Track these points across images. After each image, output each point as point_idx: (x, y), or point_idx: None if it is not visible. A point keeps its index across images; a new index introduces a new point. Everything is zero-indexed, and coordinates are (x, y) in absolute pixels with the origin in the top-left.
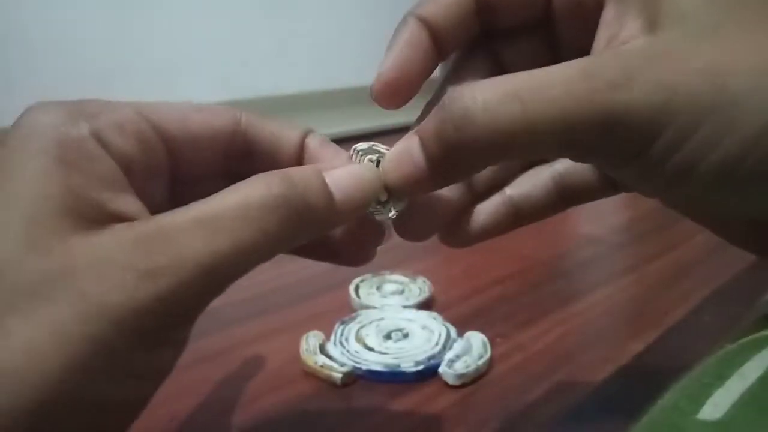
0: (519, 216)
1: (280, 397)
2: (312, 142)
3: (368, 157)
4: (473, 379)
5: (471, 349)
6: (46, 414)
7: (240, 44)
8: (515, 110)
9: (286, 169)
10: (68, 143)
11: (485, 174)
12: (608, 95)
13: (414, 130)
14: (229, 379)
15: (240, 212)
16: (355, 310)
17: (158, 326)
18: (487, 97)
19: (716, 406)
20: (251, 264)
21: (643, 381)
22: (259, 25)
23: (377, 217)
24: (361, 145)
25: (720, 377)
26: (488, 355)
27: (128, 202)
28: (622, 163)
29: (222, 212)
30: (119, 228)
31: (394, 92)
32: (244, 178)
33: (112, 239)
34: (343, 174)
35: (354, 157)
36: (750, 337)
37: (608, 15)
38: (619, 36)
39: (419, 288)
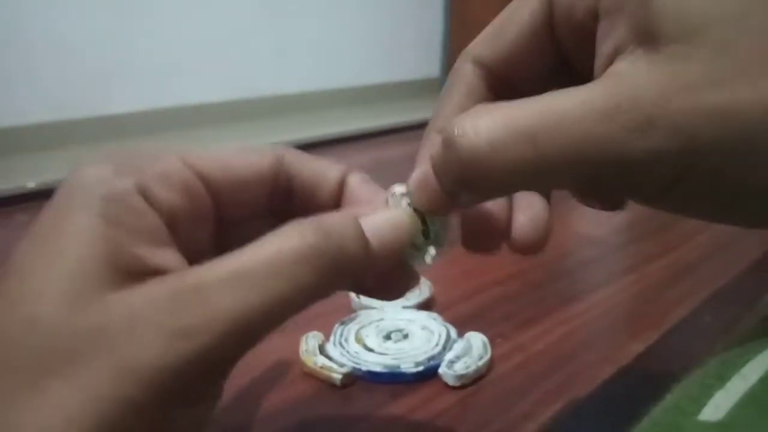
0: None
1: (280, 397)
2: (352, 181)
3: (405, 200)
4: (473, 380)
5: (471, 350)
6: None
7: (240, 44)
8: (528, 151)
9: (321, 216)
10: (113, 198)
11: None
12: (626, 141)
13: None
14: (229, 379)
15: (273, 266)
16: (354, 311)
17: (191, 385)
18: (494, 135)
19: (717, 407)
20: (286, 316)
21: (644, 381)
22: (259, 25)
23: (414, 263)
24: (398, 188)
25: (721, 378)
26: (488, 355)
27: (168, 256)
28: (650, 198)
29: (254, 266)
30: (153, 283)
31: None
32: (287, 218)
33: (146, 296)
34: (380, 220)
35: (390, 200)
36: (751, 338)
37: (601, 30)
38: (615, 52)
39: (419, 288)
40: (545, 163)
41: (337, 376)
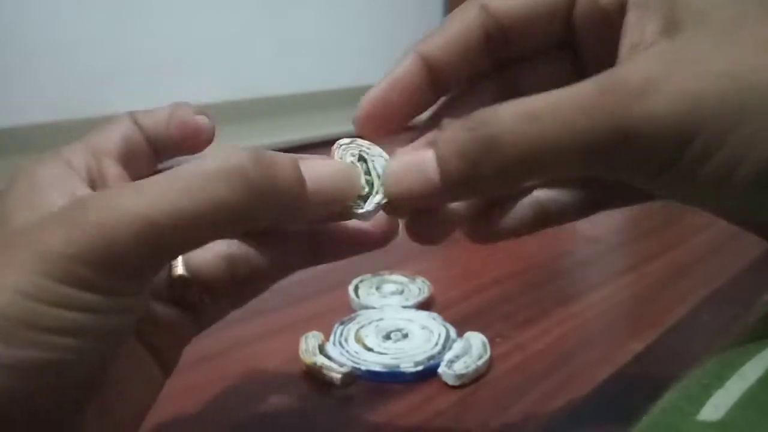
0: (546, 218)
1: (280, 397)
2: None
3: (350, 151)
4: (473, 380)
5: (470, 350)
6: None
7: (240, 44)
8: (533, 131)
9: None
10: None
11: None
12: (626, 109)
13: (423, 144)
14: (228, 380)
15: (188, 179)
16: (354, 311)
17: (96, 273)
18: (508, 119)
19: (716, 406)
20: (202, 230)
21: (643, 381)
22: (259, 25)
23: (356, 212)
24: (344, 141)
25: (720, 378)
26: (488, 355)
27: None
28: (651, 177)
29: (168, 178)
30: (76, 197)
31: (375, 123)
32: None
33: (66, 204)
34: (320, 165)
35: (337, 151)
36: (749, 338)
37: (630, 21)
38: (641, 42)
39: (419, 288)
40: (548, 142)
41: (336, 376)
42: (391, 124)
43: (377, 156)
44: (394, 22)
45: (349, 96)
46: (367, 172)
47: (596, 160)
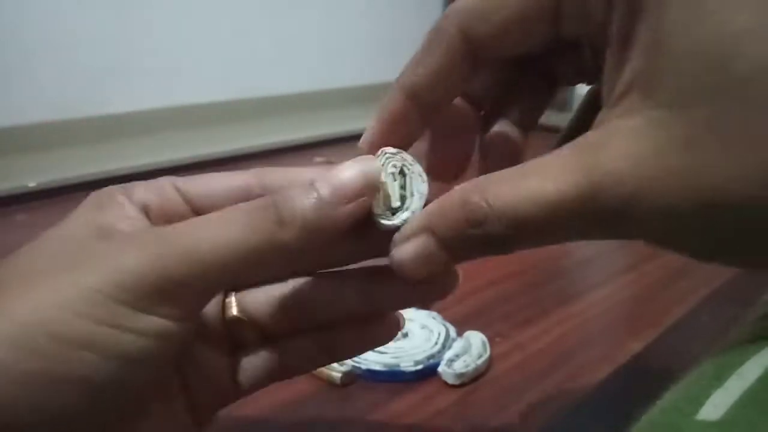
0: None
1: (280, 397)
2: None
3: (393, 162)
4: (472, 379)
5: (470, 349)
6: None
7: (240, 44)
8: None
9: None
10: (101, 195)
11: None
12: (612, 220)
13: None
14: None
15: (224, 217)
16: None
17: (159, 292)
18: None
19: (716, 406)
20: (242, 259)
21: (642, 380)
22: (259, 25)
23: (383, 222)
24: (390, 150)
25: (719, 378)
26: (487, 354)
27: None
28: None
29: (213, 216)
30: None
31: (379, 143)
32: None
33: (134, 232)
34: (344, 167)
35: (380, 157)
36: (749, 338)
37: (610, 57)
38: (617, 95)
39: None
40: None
41: (337, 375)
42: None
43: (417, 174)
44: (394, 22)
45: (349, 95)
46: (403, 187)
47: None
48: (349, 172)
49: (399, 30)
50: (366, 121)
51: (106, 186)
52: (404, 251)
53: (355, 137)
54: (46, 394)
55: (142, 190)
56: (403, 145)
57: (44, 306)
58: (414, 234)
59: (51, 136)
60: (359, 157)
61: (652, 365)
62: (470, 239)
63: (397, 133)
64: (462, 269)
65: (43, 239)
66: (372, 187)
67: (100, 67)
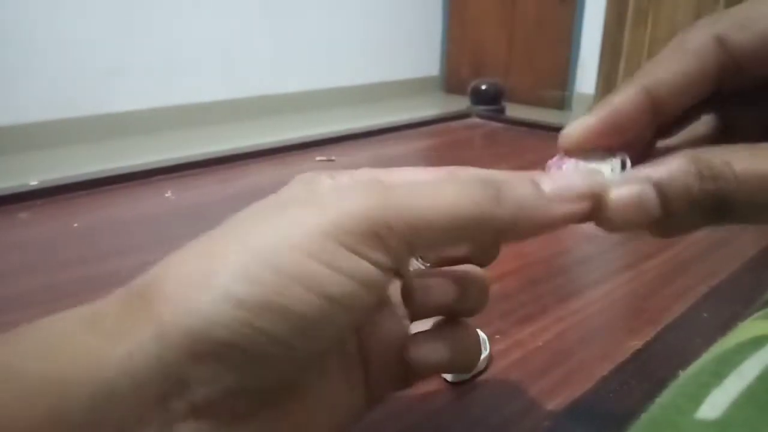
0: None
1: None
2: None
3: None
4: (472, 377)
5: None
6: None
7: (241, 43)
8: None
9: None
10: (307, 175)
11: None
12: None
13: (647, 175)
14: None
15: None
16: None
17: (369, 238)
18: (740, 177)
19: (714, 405)
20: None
21: (642, 378)
22: (260, 24)
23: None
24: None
25: (718, 376)
26: (487, 352)
27: None
28: None
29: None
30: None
31: (582, 148)
32: None
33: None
34: (575, 176)
35: (609, 164)
36: (748, 336)
37: None
38: None
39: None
40: None
41: None
42: (595, 146)
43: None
44: (394, 23)
45: (349, 95)
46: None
47: None
48: (578, 179)
49: (399, 30)
50: (366, 121)
51: (107, 186)
52: (618, 194)
53: (356, 136)
54: (264, 322)
55: (347, 178)
56: (619, 148)
57: (272, 240)
58: (637, 181)
59: (53, 134)
60: (589, 171)
61: (652, 363)
62: (696, 194)
63: (620, 133)
64: None
65: (266, 199)
66: (595, 199)
67: (101, 67)
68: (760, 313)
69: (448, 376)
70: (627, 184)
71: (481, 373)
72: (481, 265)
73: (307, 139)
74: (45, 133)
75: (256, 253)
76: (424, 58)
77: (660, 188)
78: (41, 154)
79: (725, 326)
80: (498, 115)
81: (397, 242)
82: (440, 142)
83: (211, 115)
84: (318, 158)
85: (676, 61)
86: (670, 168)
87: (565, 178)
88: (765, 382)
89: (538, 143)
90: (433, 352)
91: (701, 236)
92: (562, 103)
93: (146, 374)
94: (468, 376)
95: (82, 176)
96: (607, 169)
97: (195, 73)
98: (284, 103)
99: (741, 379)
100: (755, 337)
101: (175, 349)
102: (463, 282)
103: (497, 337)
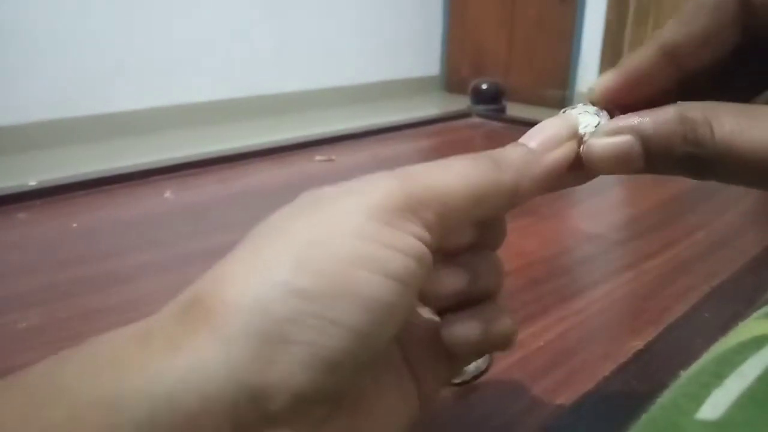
0: None
1: None
2: None
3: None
4: (473, 377)
5: None
6: None
7: (241, 43)
8: (742, 143)
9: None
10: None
11: None
12: None
13: (631, 121)
14: None
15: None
16: None
17: (402, 213)
18: (726, 127)
19: (715, 405)
20: (476, 196)
21: (643, 378)
22: (260, 23)
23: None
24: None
25: (719, 376)
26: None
27: None
28: None
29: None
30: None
31: (605, 101)
32: None
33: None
34: (545, 122)
35: (576, 109)
36: (749, 336)
37: None
38: None
39: None
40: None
41: None
42: (627, 94)
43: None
44: (393, 21)
45: (349, 94)
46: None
47: None
48: (549, 124)
49: (399, 29)
50: (366, 120)
51: (106, 185)
52: (604, 143)
53: (356, 136)
54: (334, 312)
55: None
56: (639, 105)
57: (322, 230)
58: (619, 131)
59: (52, 134)
60: (565, 117)
61: (653, 363)
62: (678, 154)
63: (639, 90)
64: None
65: (281, 210)
66: (571, 133)
67: (100, 67)
68: (761, 312)
69: None
70: (613, 135)
71: (482, 373)
72: (492, 249)
73: (307, 139)
74: (45, 132)
75: (309, 245)
76: (424, 57)
77: (643, 141)
78: (41, 154)
79: (726, 326)
80: (498, 114)
81: (431, 215)
82: (440, 141)
83: (211, 114)
84: (318, 158)
85: (694, 16)
86: (656, 122)
87: (543, 129)
88: (766, 383)
89: None
90: (468, 329)
91: (703, 236)
92: (563, 102)
93: (213, 385)
94: (469, 376)
95: (81, 176)
96: (595, 120)
97: (195, 72)
98: (284, 102)
99: (742, 379)
100: (756, 336)
101: (243, 353)
102: (473, 264)
103: None
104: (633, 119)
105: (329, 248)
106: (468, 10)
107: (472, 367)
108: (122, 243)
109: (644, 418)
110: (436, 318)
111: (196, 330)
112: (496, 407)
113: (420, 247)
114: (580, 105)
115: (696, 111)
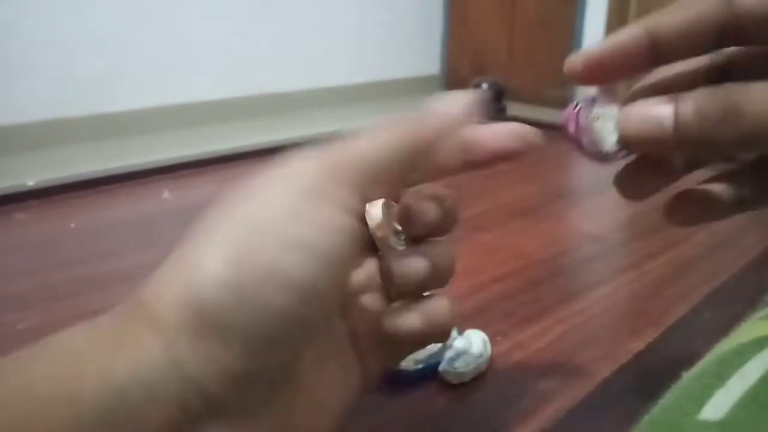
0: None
1: None
2: None
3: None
4: (473, 378)
5: (471, 348)
6: None
7: (241, 42)
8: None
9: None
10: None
11: None
12: None
13: (663, 100)
14: None
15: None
16: None
17: (345, 178)
18: (758, 94)
19: (718, 406)
20: (399, 156)
21: (644, 379)
22: (260, 23)
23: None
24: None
25: (721, 377)
26: (488, 353)
27: None
28: None
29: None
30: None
31: (585, 75)
32: None
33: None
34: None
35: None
36: (751, 337)
37: None
38: None
39: None
40: None
41: None
42: (598, 80)
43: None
44: (393, 20)
45: (349, 93)
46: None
47: None
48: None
49: (399, 28)
50: (366, 119)
51: (103, 185)
52: (640, 110)
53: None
54: (260, 296)
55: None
56: (612, 79)
57: (253, 215)
58: (658, 102)
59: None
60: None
61: (654, 364)
62: (712, 127)
63: (616, 65)
64: (461, 267)
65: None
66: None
67: (101, 66)
68: (763, 313)
69: (450, 378)
70: (647, 105)
71: (483, 374)
72: (446, 231)
73: (307, 139)
74: (44, 132)
75: (242, 233)
76: (424, 56)
77: (680, 116)
78: (41, 154)
79: (728, 327)
80: (499, 114)
81: (352, 177)
82: None
83: (212, 114)
84: None
85: (681, 8)
86: (697, 98)
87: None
88: (767, 383)
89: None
90: (407, 320)
91: (704, 237)
92: (564, 101)
93: (157, 376)
94: (469, 377)
95: (79, 176)
96: (615, 110)
97: (195, 71)
98: (284, 102)
99: (744, 380)
100: (758, 338)
101: (183, 347)
102: (432, 254)
103: (498, 338)
104: (670, 96)
105: (260, 234)
106: (468, 9)
107: (472, 368)
108: (120, 243)
109: (646, 419)
110: (387, 304)
111: (138, 325)
112: (495, 409)
113: (346, 221)
114: (583, 98)
115: (736, 87)
